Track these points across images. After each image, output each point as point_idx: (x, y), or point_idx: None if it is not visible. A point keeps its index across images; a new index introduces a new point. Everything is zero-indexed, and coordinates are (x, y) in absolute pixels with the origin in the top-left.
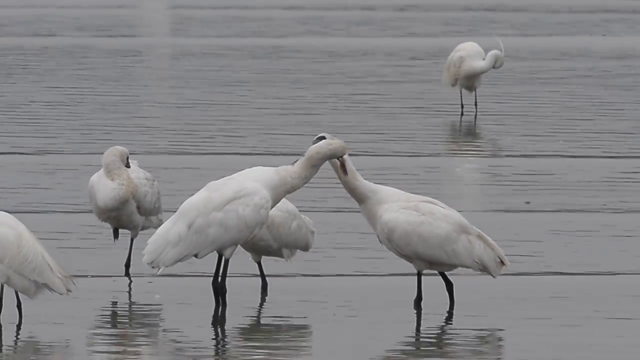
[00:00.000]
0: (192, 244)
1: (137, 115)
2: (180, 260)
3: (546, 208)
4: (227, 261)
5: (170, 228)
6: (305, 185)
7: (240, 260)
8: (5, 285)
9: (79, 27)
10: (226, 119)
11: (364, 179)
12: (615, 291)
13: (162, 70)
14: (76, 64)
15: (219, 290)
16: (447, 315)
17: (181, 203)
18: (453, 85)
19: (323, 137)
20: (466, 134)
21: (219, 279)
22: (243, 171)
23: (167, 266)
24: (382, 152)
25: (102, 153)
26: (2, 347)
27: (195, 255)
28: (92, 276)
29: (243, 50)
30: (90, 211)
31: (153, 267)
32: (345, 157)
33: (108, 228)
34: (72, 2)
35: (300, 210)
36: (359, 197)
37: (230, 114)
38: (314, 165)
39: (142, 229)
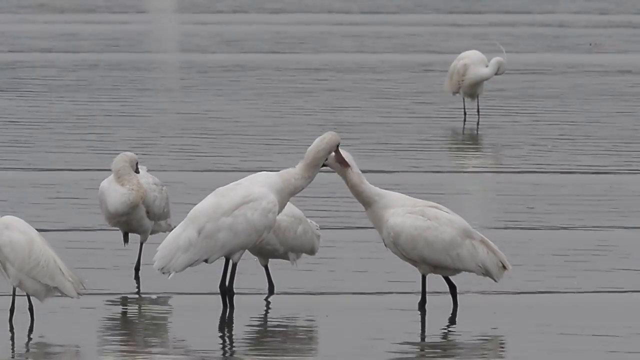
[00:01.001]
0: (202, 249)
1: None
2: (190, 265)
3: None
4: (234, 265)
5: (180, 234)
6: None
7: (247, 264)
8: (17, 289)
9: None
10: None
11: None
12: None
13: (173, 84)
14: (87, 78)
15: (227, 294)
16: (450, 318)
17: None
18: (455, 93)
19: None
20: (469, 141)
21: (227, 282)
22: (249, 176)
23: (177, 271)
24: (386, 168)
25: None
26: (14, 350)
27: (206, 260)
28: (105, 293)
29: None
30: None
31: (163, 273)
32: (349, 156)
33: (113, 244)
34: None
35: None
36: (366, 201)
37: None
38: (316, 164)
39: (152, 233)
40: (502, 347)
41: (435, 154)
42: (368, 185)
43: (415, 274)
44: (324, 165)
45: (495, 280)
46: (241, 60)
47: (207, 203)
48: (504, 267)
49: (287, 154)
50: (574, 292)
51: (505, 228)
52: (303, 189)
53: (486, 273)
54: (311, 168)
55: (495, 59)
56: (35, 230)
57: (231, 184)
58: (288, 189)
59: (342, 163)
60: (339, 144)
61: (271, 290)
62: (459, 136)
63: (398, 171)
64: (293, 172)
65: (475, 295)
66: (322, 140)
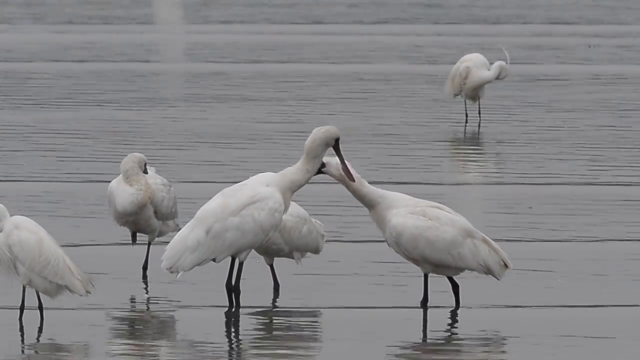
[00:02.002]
0: (210, 248)
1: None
2: (199, 264)
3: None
4: (241, 264)
5: (188, 234)
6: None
7: (252, 262)
8: (27, 287)
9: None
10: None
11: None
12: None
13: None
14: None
15: (234, 292)
16: (452, 316)
17: None
18: (456, 95)
19: (323, 164)
20: (470, 142)
21: (234, 281)
22: (253, 177)
23: (185, 271)
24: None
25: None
26: (24, 348)
27: (214, 260)
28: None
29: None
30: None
31: (172, 272)
32: (349, 166)
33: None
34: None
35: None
36: (369, 204)
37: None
38: (315, 156)
39: (160, 233)
40: (504, 345)
41: (436, 165)
42: (370, 188)
43: (412, 291)
44: (322, 172)
45: (497, 279)
46: (245, 70)
47: (215, 203)
48: (506, 266)
49: (289, 162)
50: (584, 307)
51: (508, 240)
52: (303, 184)
53: (488, 271)
54: (309, 160)
55: (498, 63)
56: (45, 230)
57: (237, 184)
58: (288, 184)
59: (349, 177)
60: (338, 138)
61: (276, 288)
62: (461, 139)
63: (399, 183)
64: (292, 169)
65: (478, 292)
66: (319, 130)
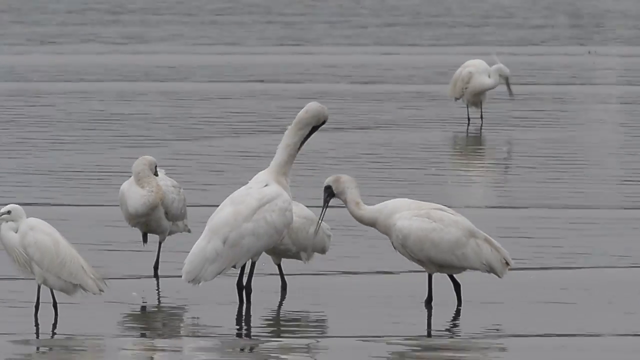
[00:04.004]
0: (230, 257)
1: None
2: (220, 273)
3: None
4: (253, 264)
5: (205, 246)
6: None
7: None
8: (42, 285)
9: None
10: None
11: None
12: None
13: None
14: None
15: (245, 291)
16: (455, 314)
17: None
18: (457, 99)
19: (330, 188)
20: (473, 145)
21: (245, 280)
22: (252, 180)
23: (207, 281)
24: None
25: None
26: (39, 345)
27: (234, 266)
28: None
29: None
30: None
31: (194, 284)
32: (348, 185)
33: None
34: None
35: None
36: (369, 223)
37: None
38: (300, 128)
39: (170, 233)
40: (505, 342)
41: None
42: (366, 209)
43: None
44: (333, 195)
45: (499, 277)
46: (260, 89)
47: (226, 212)
48: (507, 264)
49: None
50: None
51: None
52: (287, 162)
53: (490, 270)
54: (294, 132)
55: (495, 67)
56: (58, 232)
57: (243, 188)
58: (276, 172)
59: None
60: (325, 121)
61: (284, 287)
62: (462, 144)
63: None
64: (275, 157)
65: (480, 290)
66: (315, 103)
